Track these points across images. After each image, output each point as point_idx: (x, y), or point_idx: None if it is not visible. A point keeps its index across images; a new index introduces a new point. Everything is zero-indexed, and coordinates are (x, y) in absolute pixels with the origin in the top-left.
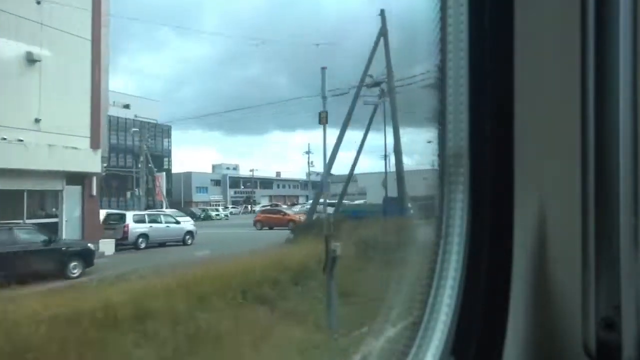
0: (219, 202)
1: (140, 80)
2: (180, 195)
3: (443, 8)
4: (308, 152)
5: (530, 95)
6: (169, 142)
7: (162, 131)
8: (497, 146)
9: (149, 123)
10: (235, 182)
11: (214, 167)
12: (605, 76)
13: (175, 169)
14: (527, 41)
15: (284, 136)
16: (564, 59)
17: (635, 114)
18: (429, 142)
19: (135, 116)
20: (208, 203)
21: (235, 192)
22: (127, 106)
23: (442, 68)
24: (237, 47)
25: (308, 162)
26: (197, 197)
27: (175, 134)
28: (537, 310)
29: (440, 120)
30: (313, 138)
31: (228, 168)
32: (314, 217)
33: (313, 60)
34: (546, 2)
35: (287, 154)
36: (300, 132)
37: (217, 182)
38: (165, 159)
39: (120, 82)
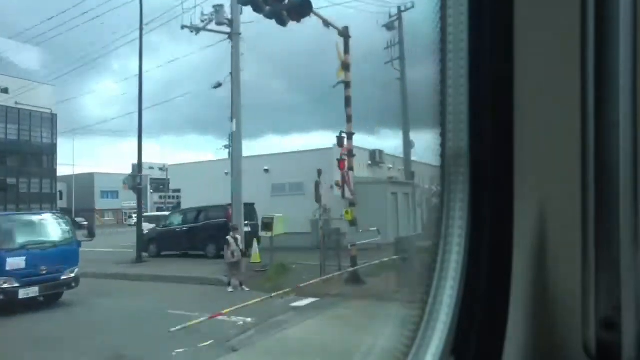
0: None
1: (131, 82)
2: (77, 201)
3: (443, 8)
4: (228, 147)
5: (530, 95)
6: (53, 134)
7: (41, 121)
8: (497, 146)
9: (21, 111)
10: (162, 185)
11: (134, 167)
12: (605, 76)
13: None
14: (527, 41)
15: (278, 140)
16: (564, 59)
17: (635, 114)
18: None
19: (16, 103)
20: (119, 211)
21: (160, 197)
22: (5, 90)
23: (442, 68)
24: (228, 50)
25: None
26: (101, 203)
27: (169, 138)
28: (537, 310)
29: (440, 120)
30: (308, 140)
31: (152, 168)
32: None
33: (306, 64)
34: (546, 2)
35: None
36: (295, 135)
37: None
38: (46, 157)
39: (111, 85)
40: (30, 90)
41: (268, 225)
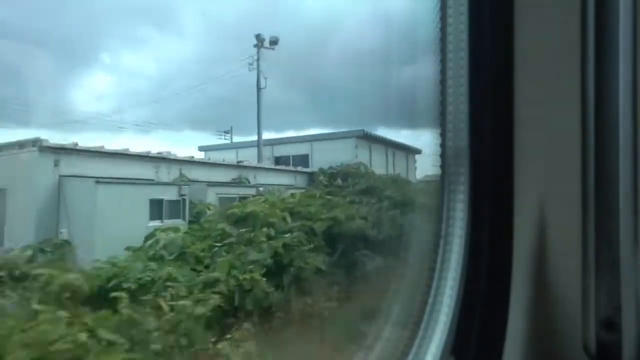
0: None
1: (123, 79)
2: None
3: (443, 8)
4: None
5: (530, 95)
6: None
7: None
8: (497, 146)
9: None
10: None
11: None
12: (605, 77)
13: None
14: (527, 41)
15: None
16: (564, 59)
17: (635, 114)
18: None
19: None
20: None
21: None
22: None
23: (442, 68)
24: (220, 46)
25: None
26: None
27: (167, 134)
28: (537, 310)
29: (440, 120)
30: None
31: None
32: None
33: (299, 61)
34: (546, 2)
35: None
36: (292, 133)
37: None
38: None
39: (104, 81)
40: None
41: None
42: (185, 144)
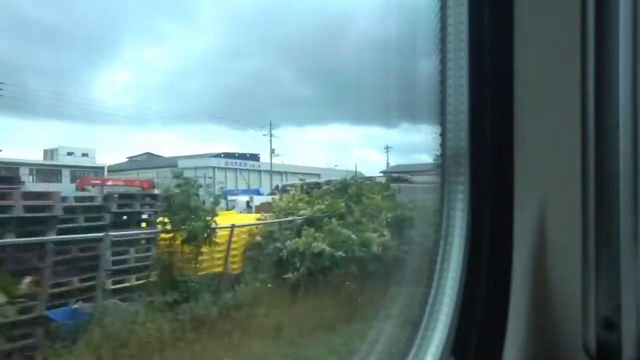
0: None
1: (140, 73)
2: None
3: (443, 8)
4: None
5: (530, 95)
6: None
7: None
8: (497, 146)
9: None
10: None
11: (48, 152)
12: (605, 76)
13: None
14: (527, 41)
15: (294, 131)
16: (564, 59)
17: (635, 114)
18: None
19: None
20: None
21: None
22: None
23: (442, 68)
24: (237, 40)
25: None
26: None
27: (184, 128)
28: (537, 310)
29: (441, 120)
30: (324, 133)
31: (71, 153)
32: None
33: (317, 55)
34: (546, 2)
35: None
36: (309, 127)
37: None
38: None
39: (120, 75)
40: None
41: None
42: (206, 138)
